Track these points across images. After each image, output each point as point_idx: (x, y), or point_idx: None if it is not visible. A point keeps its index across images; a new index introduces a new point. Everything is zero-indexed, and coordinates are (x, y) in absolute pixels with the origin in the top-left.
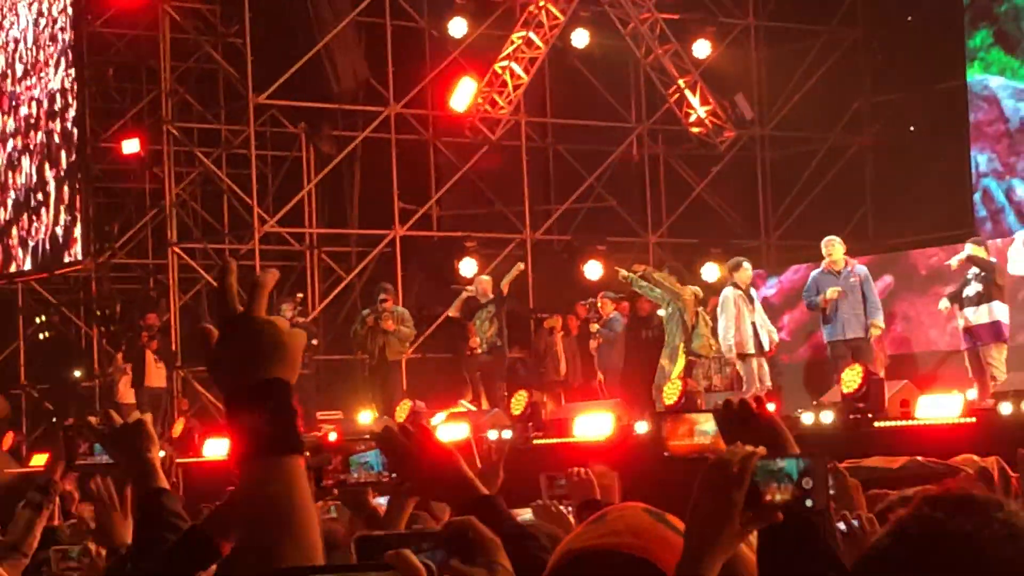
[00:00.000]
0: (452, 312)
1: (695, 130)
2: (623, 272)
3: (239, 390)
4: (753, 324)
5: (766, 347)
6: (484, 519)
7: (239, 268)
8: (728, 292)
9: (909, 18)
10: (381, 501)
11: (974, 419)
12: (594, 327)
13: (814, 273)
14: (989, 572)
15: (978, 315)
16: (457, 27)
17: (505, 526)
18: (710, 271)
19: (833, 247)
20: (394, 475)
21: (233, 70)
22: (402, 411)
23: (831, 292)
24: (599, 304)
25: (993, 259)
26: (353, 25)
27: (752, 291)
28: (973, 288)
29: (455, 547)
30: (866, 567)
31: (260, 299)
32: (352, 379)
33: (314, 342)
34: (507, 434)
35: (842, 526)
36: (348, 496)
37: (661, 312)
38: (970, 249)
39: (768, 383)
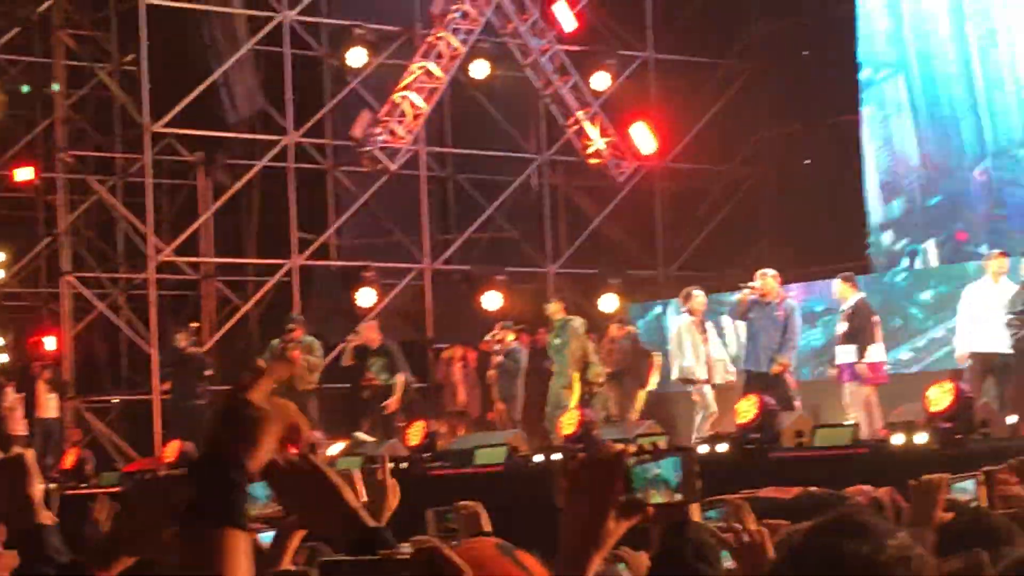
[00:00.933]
0: (346, 361)
1: (593, 161)
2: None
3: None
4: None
5: (717, 379)
6: (373, 550)
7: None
8: (682, 321)
9: (805, 52)
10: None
11: (867, 450)
12: (496, 358)
13: (750, 297)
14: None
15: (843, 354)
16: (356, 57)
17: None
18: (608, 302)
19: (765, 280)
20: (278, 507)
21: (129, 98)
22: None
23: (744, 293)
24: (497, 335)
25: (860, 295)
26: (251, 54)
27: (706, 321)
28: (841, 327)
29: (422, 573)
30: None
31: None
32: None
33: (208, 373)
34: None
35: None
36: None
37: (557, 341)
38: (836, 286)
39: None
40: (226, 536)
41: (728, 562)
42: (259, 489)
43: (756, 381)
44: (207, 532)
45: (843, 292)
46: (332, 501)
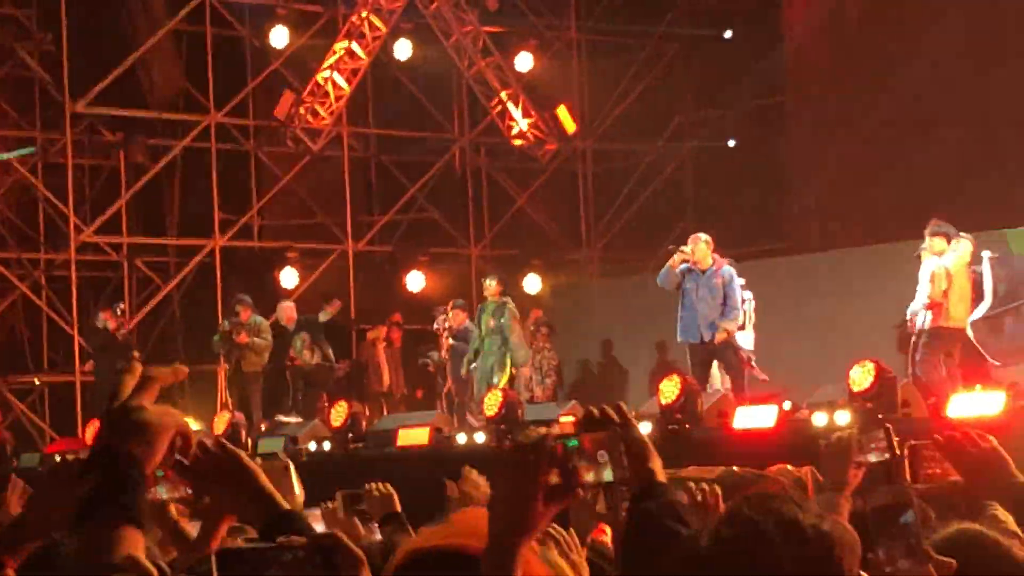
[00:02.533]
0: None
1: (517, 143)
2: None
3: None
4: None
5: None
6: (287, 533)
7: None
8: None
9: (730, 33)
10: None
11: (789, 430)
12: (447, 341)
13: (681, 266)
14: (800, 567)
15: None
16: (279, 37)
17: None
18: (532, 283)
19: (697, 244)
20: (191, 491)
21: (49, 77)
22: (220, 422)
23: (676, 258)
24: (450, 314)
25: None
26: (172, 34)
27: None
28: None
29: (319, 560)
30: (690, 566)
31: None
32: (170, 390)
33: (133, 354)
34: (326, 445)
35: (684, 497)
36: (152, 511)
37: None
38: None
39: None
40: (122, 532)
41: None
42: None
43: (701, 353)
44: (103, 527)
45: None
46: (246, 485)
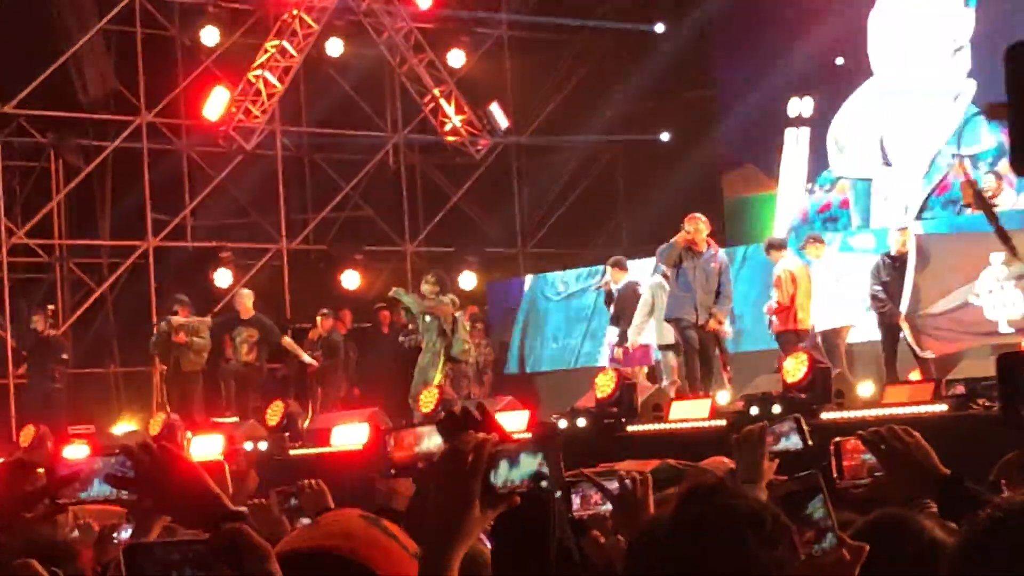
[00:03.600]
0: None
1: (450, 139)
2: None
3: None
4: None
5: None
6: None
7: None
8: (653, 281)
9: (662, 27)
10: None
11: (724, 422)
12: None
13: (672, 241)
14: (738, 555)
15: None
16: (209, 36)
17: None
18: (467, 279)
19: (697, 225)
20: (132, 493)
21: None
22: (156, 424)
23: (680, 236)
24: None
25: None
26: (101, 33)
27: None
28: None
29: (225, 555)
30: (636, 555)
31: None
32: (105, 392)
33: (64, 356)
34: (263, 445)
35: (615, 485)
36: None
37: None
38: (608, 271)
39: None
40: None
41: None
42: (97, 484)
43: (690, 329)
44: None
45: (614, 276)
46: (190, 487)
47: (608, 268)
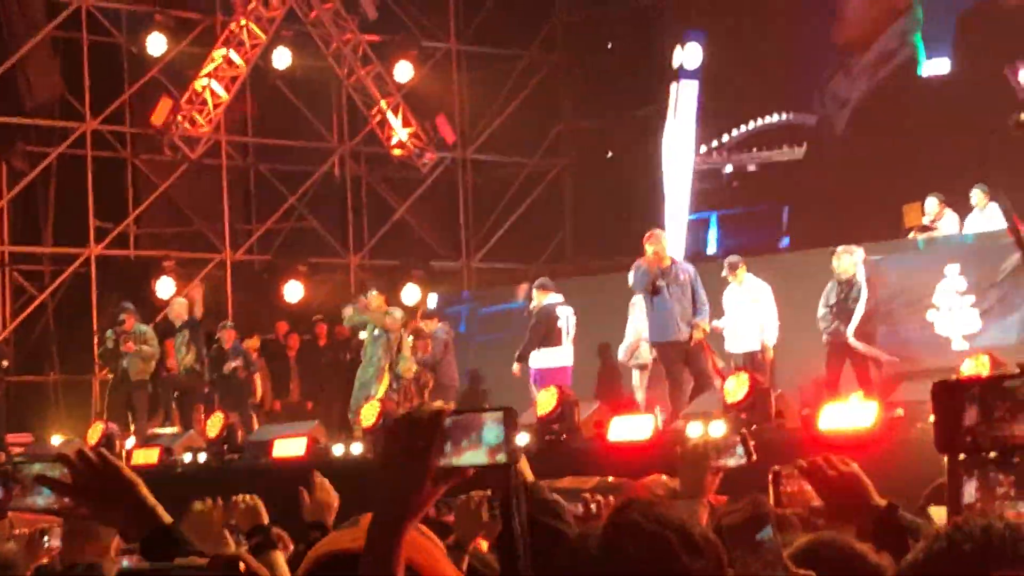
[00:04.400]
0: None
1: (397, 152)
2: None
3: None
4: None
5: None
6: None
7: None
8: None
9: (609, 45)
10: None
11: (664, 440)
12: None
13: (641, 266)
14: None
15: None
16: (156, 44)
17: (183, 551)
18: (411, 293)
19: (660, 242)
20: (68, 500)
21: None
22: (94, 433)
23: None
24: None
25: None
26: (49, 40)
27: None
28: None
29: None
30: (580, 566)
31: None
32: (44, 400)
33: (4, 363)
34: (201, 456)
35: (580, 508)
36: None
37: (363, 335)
38: (530, 291)
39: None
40: None
41: None
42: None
43: (675, 351)
44: None
45: (537, 297)
46: (126, 497)
47: (534, 290)
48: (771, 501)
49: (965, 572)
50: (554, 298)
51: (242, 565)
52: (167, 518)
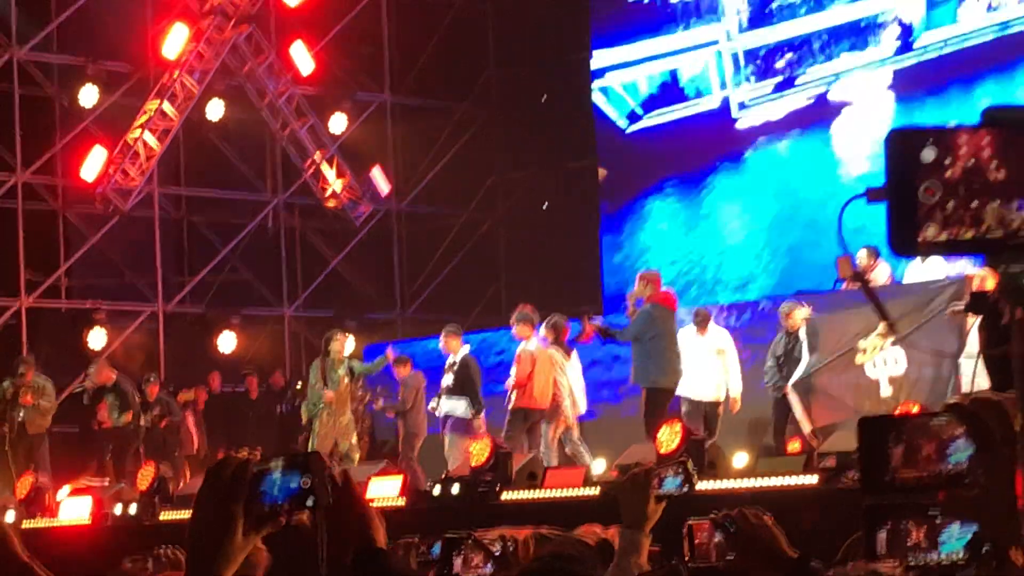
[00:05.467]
0: (88, 401)
1: (331, 204)
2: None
3: None
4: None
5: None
6: None
7: None
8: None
9: (544, 97)
10: None
11: (597, 490)
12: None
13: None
14: None
15: (448, 406)
16: (88, 96)
17: None
18: (346, 344)
19: (658, 279)
20: None
21: None
22: (24, 485)
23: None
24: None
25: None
26: None
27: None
28: (446, 379)
29: None
30: None
31: None
32: None
33: None
34: (132, 508)
35: (497, 549)
36: None
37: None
38: (442, 340)
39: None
40: None
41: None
42: None
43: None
44: None
45: (450, 346)
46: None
47: (450, 337)
48: (685, 553)
49: None
50: (465, 346)
51: None
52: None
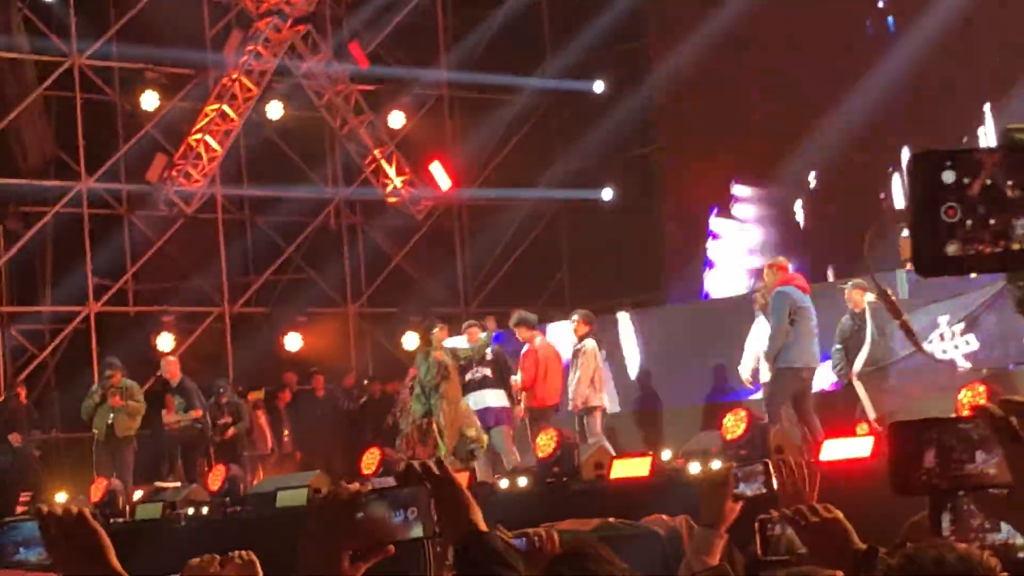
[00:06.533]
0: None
1: (392, 200)
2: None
3: None
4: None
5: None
6: None
7: None
8: (589, 344)
9: (600, 85)
10: None
11: (664, 480)
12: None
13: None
14: None
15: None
16: (149, 100)
17: None
18: (411, 340)
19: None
20: (47, 558)
21: None
22: (97, 490)
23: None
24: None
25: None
26: (41, 99)
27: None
28: (483, 371)
29: None
30: None
31: None
32: (47, 459)
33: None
34: (204, 509)
35: (522, 542)
36: None
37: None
38: (474, 334)
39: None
40: None
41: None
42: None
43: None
44: None
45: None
46: (94, 558)
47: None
48: (757, 548)
49: None
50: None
51: None
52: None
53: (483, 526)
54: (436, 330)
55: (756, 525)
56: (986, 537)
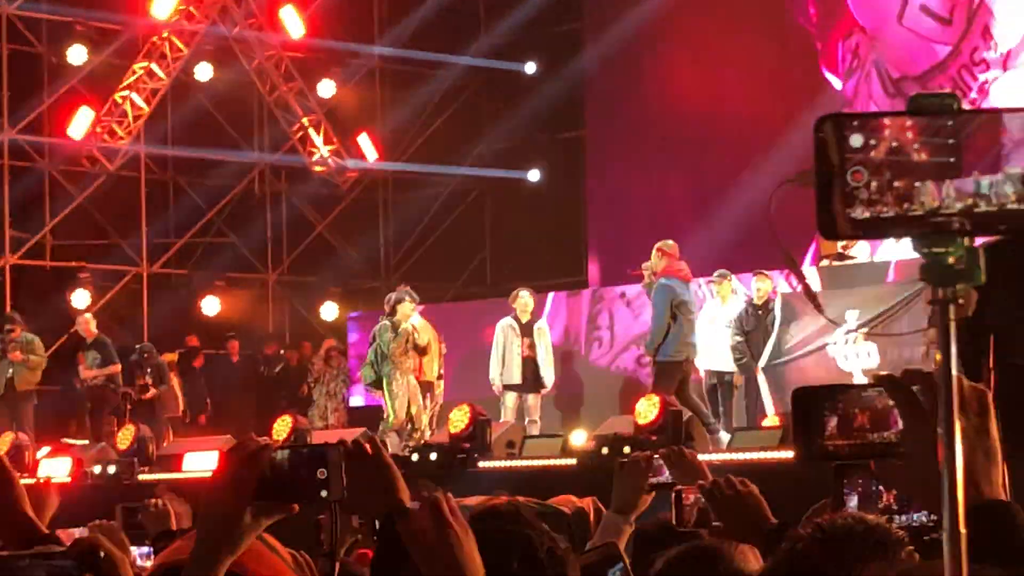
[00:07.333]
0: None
1: (318, 169)
2: None
3: None
4: (526, 358)
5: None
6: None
7: None
8: (502, 322)
9: (531, 66)
10: None
11: (575, 460)
12: None
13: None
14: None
15: None
16: (77, 54)
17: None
18: (329, 310)
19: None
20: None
21: None
22: (3, 443)
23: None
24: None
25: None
26: None
27: (540, 324)
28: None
29: (85, 563)
30: None
31: None
32: None
33: None
34: (111, 468)
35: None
36: None
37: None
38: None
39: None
40: None
41: None
42: None
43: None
44: None
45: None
46: (10, 507)
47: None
48: (673, 519)
49: (829, 571)
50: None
51: (101, 552)
52: (43, 529)
53: (408, 503)
54: (406, 301)
55: (672, 497)
56: (894, 518)
